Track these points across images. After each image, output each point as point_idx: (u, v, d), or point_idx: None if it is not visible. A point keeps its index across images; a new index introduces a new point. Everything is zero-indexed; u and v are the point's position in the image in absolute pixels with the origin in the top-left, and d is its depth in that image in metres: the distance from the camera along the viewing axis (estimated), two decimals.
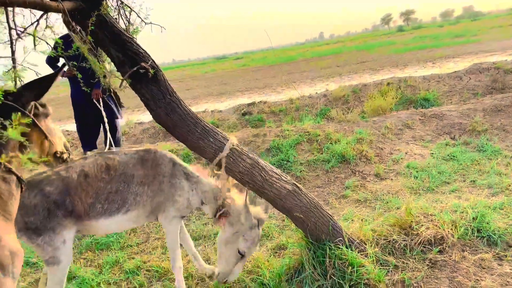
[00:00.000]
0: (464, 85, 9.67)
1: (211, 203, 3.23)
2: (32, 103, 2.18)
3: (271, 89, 16.75)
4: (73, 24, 2.46)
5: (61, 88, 16.13)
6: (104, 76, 2.84)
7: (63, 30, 2.56)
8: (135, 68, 2.65)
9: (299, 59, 34.22)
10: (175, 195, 3.10)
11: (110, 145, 5.74)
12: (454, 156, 5.63)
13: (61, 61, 5.64)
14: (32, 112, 2.17)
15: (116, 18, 2.81)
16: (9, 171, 2.03)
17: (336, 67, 20.65)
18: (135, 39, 2.79)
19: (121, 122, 6.21)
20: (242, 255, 3.19)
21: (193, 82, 26.94)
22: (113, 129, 5.87)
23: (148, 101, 2.82)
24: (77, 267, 3.90)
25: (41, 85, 2.17)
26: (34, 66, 2.15)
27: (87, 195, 2.79)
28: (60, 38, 2.35)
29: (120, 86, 2.67)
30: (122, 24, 2.90)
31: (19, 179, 2.09)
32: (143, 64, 2.67)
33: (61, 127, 11.20)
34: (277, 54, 50.91)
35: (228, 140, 2.98)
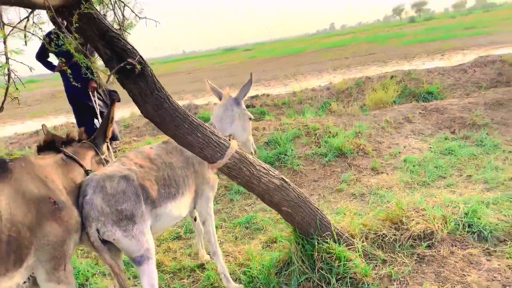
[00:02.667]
0: (468, 78, 9.52)
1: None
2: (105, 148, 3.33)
3: (278, 81, 16.70)
4: (60, 20, 2.50)
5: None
6: (92, 72, 2.91)
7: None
8: (122, 64, 2.69)
9: (308, 51, 33.97)
10: (205, 172, 3.17)
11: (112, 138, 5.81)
12: (452, 151, 5.60)
13: (51, 56, 5.66)
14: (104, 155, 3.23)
15: (106, 14, 2.85)
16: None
17: (344, 59, 20.46)
18: (122, 36, 2.82)
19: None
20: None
21: (200, 74, 26.94)
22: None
23: (135, 97, 2.85)
24: (73, 258, 3.99)
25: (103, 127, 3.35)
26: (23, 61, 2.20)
27: (151, 182, 2.79)
28: (50, 33, 2.41)
29: (107, 82, 2.72)
30: (116, 19, 2.94)
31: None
32: (129, 60, 2.70)
33: (67, 119, 11.33)
34: (287, 45, 50.57)
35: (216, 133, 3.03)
